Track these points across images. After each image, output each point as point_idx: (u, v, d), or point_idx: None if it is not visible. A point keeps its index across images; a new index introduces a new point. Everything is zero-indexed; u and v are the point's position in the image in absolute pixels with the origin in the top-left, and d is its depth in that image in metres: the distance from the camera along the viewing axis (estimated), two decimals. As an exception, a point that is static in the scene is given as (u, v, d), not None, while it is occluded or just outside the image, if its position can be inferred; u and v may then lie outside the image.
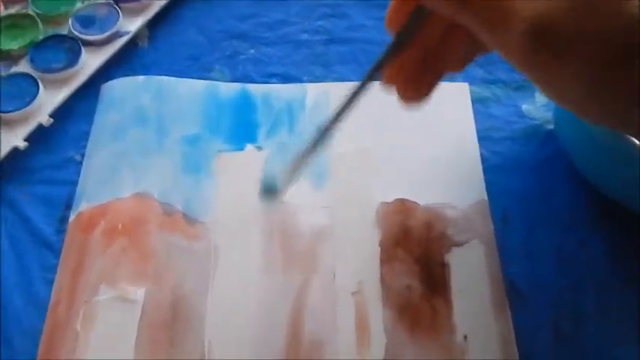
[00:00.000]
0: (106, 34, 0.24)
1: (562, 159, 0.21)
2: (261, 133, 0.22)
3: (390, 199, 0.20)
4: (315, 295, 0.18)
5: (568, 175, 0.21)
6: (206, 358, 0.17)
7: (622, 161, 0.17)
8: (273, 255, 0.19)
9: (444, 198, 0.20)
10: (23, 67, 0.23)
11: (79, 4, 0.25)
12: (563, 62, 0.10)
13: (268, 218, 0.20)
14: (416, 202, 0.20)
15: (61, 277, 0.19)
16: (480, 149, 0.22)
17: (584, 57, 0.10)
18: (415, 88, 0.15)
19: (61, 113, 0.23)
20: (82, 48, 0.23)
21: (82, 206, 0.20)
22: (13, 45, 0.23)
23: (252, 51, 0.25)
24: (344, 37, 0.25)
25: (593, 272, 0.19)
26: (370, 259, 0.19)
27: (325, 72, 0.24)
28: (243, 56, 0.25)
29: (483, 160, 0.21)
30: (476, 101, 0.23)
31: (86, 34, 0.24)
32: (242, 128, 0.22)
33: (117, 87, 0.23)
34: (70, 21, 0.24)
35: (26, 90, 0.22)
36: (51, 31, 0.24)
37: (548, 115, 0.23)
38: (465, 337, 0.17)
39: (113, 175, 0.21)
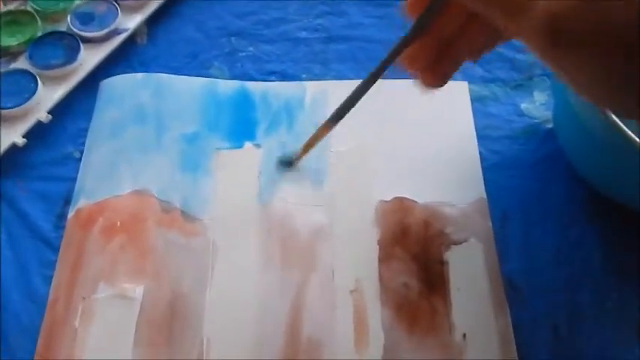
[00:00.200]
0: (105, 30, 0.24)
1: (561, 158, 0.21)
2: (260, 131, 0.22)
3: (389, 197, 0.20)
4: (314, 293, 0.18)
5: (566, 174, 0.21)
6: (204, 355, 0.17)
7: (620, 160, 0.17)
8: (271, 253, 0.19)
9: (442, 196, 0.20)
10: (22, 63, 0.23)
11: (77, 1, 0.25)
12: (584, 53, 0.10)
13: (267, 216, 0.20)
14: (415, 201, 0.20)
15: (60, 274, 0.19)
16: (479, 148, 0.22)
17: (603, 48, 0.10)
18: (433, 74, 0.15)
19: (59, 110, 0.23)
20: (81, 45, 0.23)
21: (81, 203, 0.20)
22: (11, 41, 0.23)
23: (250, 48, 0.25)
24: (342, 35, 0.25)
25: (590, 270, 0.19)
26: (369, 258, 0.19)
27: (324, 70, 0.24)
28: (242, 54, 0.25)
29: (482, 158, 0.21)
30: (475, 100, 0.23)
31: (85, 31, 0.24)
32: (241, 126, 0.22)
33: (116, 84, 0.23)
34: (68, 18, 0.24)
35: (25, 86, 0.22)
36: (50, 28, 0.24)
37: (547, 114, 0.23)
38: (464, 335, 0.17)
39: (112, 172, 0.21)
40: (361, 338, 0.17)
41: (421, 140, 0.22)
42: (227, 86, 0.23)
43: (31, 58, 0.23)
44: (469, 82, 0.24)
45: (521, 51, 0.25)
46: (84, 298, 0.18)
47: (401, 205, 0.20)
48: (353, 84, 0.23)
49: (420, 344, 0.17)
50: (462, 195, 0.20)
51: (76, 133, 0.22)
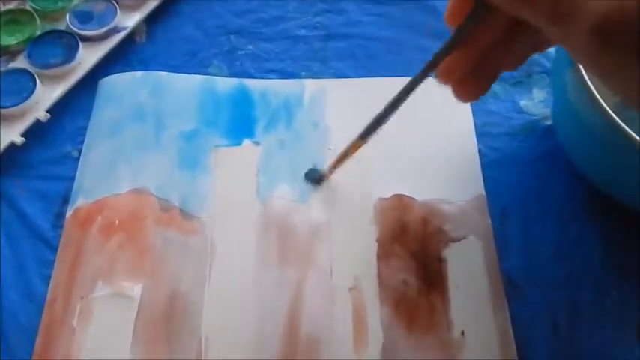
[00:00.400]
0: (104, 29, 0.24)
1: (559, 155, 0.21)
2: (259, 129, 0.22)
3: (388, 195, 0.20)
4: (312, 290, 0.18)
5: (565, 171, 0.21)
6: (203, 353, 0.17)
7: (619, 158, 0.17)
8: (270, 251, 0.19)
9: (441, 194, 0.20)
10: (21, 62, 0.23)
11: (76, 0, 0.25)
12: (631, 58, 0.10)
13: (265, 214, 0.20)
14: (413, 198, 0.20)
15: (58, 273, 0.19)
16: (478, 145, 0.22)
17: None
18: (469, 86, 0.14)
19: (58, 109, 0.23)
20: (80, 43, 0.23)
21: (79, 202, 0.20)
22: (11, 40, 0.23)
23: (249, 47, 0.25)
24: (341, 32, 0.25)
25: (590, 267, 0.19)
26: (367, 255, 0.19)
27: (323, 68, 0.24)
28: (241, 52, 0.25)
29: (481, 155, 0.21)
30: (474, 97, 0.23)
31: (84, 30, 0.24)
32: (239, 123, 0.22)
33: (114, 82, 0.23)
34: (67, 16, 0.24)
35: (24, 85, 0.22)
36: (49, 27, 0.24)
37: (546, 111, 0.23)
38: (463, 332, 0.17)
39: (110, 170, 0.21)
40: (360, 336, 0.17)
41: (420, 137, 0.22)
42: (226, 84, 0.23)
43: (30, 57, 0.23)
44: (468, 80, 0.24)
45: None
46: (82, 297, 0.18)
47: (400, 202, 0.20)
48: (351, 82, 0.24)
49: (419, 342, 0.17)
50: (460, 192, 0.20)
51: (75, 132, 0.22)
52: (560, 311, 0.18)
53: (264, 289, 0.18)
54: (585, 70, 0.15)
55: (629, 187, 0.18)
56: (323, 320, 0.18)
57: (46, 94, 0.22)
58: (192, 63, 0.24)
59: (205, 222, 0.20)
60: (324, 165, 0.21)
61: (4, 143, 0.21)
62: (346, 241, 0.19)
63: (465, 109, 0.23)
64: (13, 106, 0.22)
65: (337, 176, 0.21)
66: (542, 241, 0.20)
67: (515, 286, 0.19)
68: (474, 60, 0.14)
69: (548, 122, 0.22)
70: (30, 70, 0.23)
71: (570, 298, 0.18)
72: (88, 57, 0.23)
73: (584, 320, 0.18)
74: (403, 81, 0.23)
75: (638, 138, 0.16)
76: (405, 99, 0.16)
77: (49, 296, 0.18)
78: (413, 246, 0.19)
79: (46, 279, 0.19)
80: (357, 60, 0.24)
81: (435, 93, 0.23)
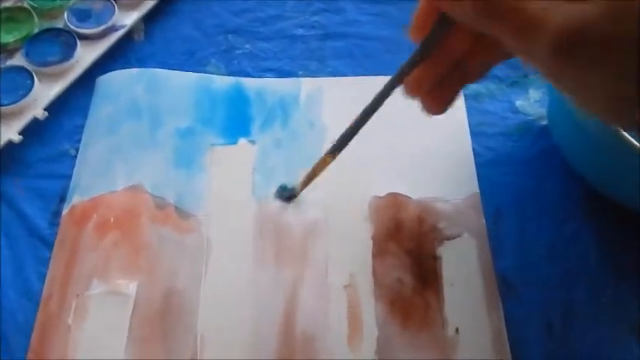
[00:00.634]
0: (102, 27, 0.24)
1: (555, 155, 0.21)
2: (255, 127, 0.22)
3: (383, 193, 0.20)
4: (308, 288, 0.18)
5: (561, 171, 0.21)
6: (198, 351, 0.17)
7: (614, 158, 0.17)
8: (265, 249, 0.19)
9: (436, 192, 0.20)
10: (18, 60, 0.23)
11: (74, -2, 0.25)
12: (593, 70, 0.10)
13: (261, 212, 0.20)
14: (408, 197, 0.20)
15: (54, 271, 0.19)
16: (474, 144, 0.22)
17: (615, 65, 0.10)
18: (435, 99, 0.14)
19: (56, 107, 0.23)
20: (78, 41, 0.23)
21: (75, 199, 0.20)
22: (8, 38, 0.24)
23: (247, 46, 0.25)
24: (339, 32, 0.25)
25: (584, 267, 0.19)
26: (362, 253, 0.19)
27: (320, 67, 0.24)
28: (239, 51, 0.25)
29: (477, 155, 0.22)
30: (470, 97, 0.23)
31: (82, 28, 0.24)
32: (235, 122, 0.22)
33: (111, 80, 0.23)
34: (65, 14, 0.24)
35: (21, 83, 0.22)
36: (46, 25, 0.24)
37: (542, 111, 0.23)
38: (457, 330, 0.17)
39: (106, 168, 0.21)
40: (355, 333, 0.17)
41: (415, 136, 0.22)
42: (222, 82, 0.23)
43: (27, 54, 0.23)
44: (464, 80, 0.24)
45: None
46: (77, 295, 0.18)
47: (395, 200, 0.20)
48: (348, 80, 0.24)
49: (414, 339, 0.17)
50: (455, 190, 0.20)
51: (72, 130, 0.22)
52: (554, 311, 0.18)
53: (260, 287, 0.18)
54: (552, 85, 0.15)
55: (625, 186, 0.18)
56: (318, 318, 0.18)
57: (44, 92, 0.22)
58: (190, 62, 0.24)
59: (201, 220, 0.20)
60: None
61: (2, 141, 0.21)
62: (341, 239, 0.19)
63: (460, 107, 0.23)
64: (11, 104, 0.22)
65: (332, 174, 0.21)
66: (538, 240, 0.20)
67: (510, 285, 0.19)
68: (441, 73, 0.14)
69: (544, 122, 0.23)
70: (27, 68, 0.23)
71: (565, 298, 0.18)
72: (85, 55, 0.24)
73: (579, 320, 0.18)
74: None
75: (632, 138, 0.16)
76: (372, 114, 0.16)
77: (44, 294, 0.18)
78: (408, 244, 0.19)
79: (44, 277, 0.19)
80: (355, 59, 0.25)
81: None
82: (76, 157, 0.22)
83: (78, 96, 0.23)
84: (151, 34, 0.25)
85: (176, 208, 0.20)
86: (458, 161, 0.21)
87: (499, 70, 0.24)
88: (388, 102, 0.23)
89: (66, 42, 0.23)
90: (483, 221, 0.20)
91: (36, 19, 0.24)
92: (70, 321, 0.17)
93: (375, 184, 0.20)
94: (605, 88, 0.11)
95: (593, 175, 0.20)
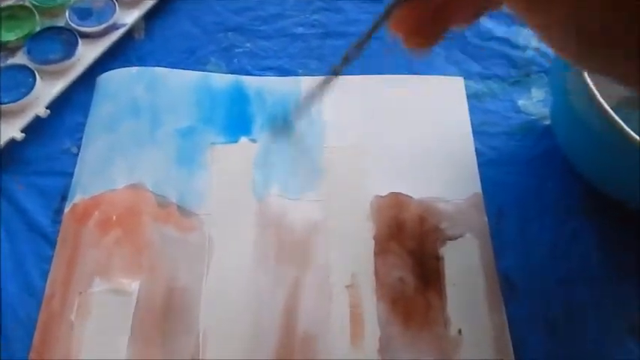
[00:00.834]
0: (103, 26, 0.24)
1: (557, 154, 0.21)
2: (256, 126, 0.22)
3: (384, 192, 0.20)
4: (309, 287, 0.18)
5: (563, 171, 0.21)
6: (200, 349, 0.17)
7: (618, 157, 0.17)
8: (267, 248, 0.19)
9: (438, 192, 0.20)
10: (20, 58, 0.23)
11: (75, -4, 0.25)
12: (562, 6, 0.10)
13: (262, 211, 0.20)
14: (410, 196, 0.20)
15: (56, 269, 0.19)
16: (476, 144, 0.22)
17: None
18: (419, 38, 0.14)
19: (57, 105, 0.23)
20: (79, 40, 0.23)
21: (77, 197, 0.20)
22: (10, 36, 0.23)
23: (248, 44, 0.25)
24: (339, 31, 0.25)
25: (586, 266, 0.19)
26: (364, 253, 0.19)
27: (320, 65, 0.24)
28: (239, 49, 0.25)
29: (479, 154, 0.21)
30: (472, 96, 0.23)
31: (83, 26, 0.24)
32: (236, 120, 0.22)
33: (112, 79, 0.23)
34: (66, 13, 0.24)
35: (23, 81, 0.22)
36: (48, 23, 0.24)
37: (544, 110, 0.23)
38: (460, 330, 0.17)
39: (107, 166, 0.21)
40: (357, 332, 0.17)
41: (416, 135, 0.22)
42: (222, 80, 0.23)
43: (29, 53, 0.23)
44: (466, 78, 0.24)
45: (518, 48, 0.25)
46: (80, 293, 0.18)
47: (396, 200, 0.20)
48: (348, 79, 0.23)
49: (416, 339, 0.17)
50: (457, 190, 0.20)
51: (74, 128, 0.22)
52: (556, 310, 0.18)
53: (262, 285, 0.18)
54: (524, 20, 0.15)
55: (628, 185, 0.18)
56: (320, 317, 0.18)
57: (46, 90, 0.22)
58: (190, 60, 0.24)
59: (203, 219, 0.20)
60: (322, 161, 0.21)
61: (4, 139, 0.21)
62: (343, 238, 0.19)
63: (462, 107, 0.23)
64: (13, 101, 0.22)
65: (334, 173, 0.21)
66: (539, 240, 0.20)
67: (512, 285, 0.19)
68: (425, 12, 0.14)
69: (547, 122, 0.22)
70: (29, 66, 0.23)
71: (567, 298, 0.18)
72: (87, 53, 0.23)
73: (581, 320, 0.18)
74: (399, 78, 0.23)
75: (637, 137, 0.16)
76: (357, 54, 0.17)
77: (47, 292, 0.18)
78: (410, 244, 0.19)
79: (46, 274, 0.19)
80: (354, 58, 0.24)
81: (432, 92, 0.23)
82: (77, 154, 0.22)
83: (79, 94, 0.23)
84: (152, 32, 0.25)
85: (178, 206, 0.20)
86: (460, 161, 0.21)
87: (500, 69, 0.24)
88: (389, 101, 0.23)
89: (67, 40, 0.23)
90: (486, 221, 0.20)
91: (37, 17, 0.24)
92: (72, 318, 0.17)
93: (376, 184, 0.20)
94: (569, 26, 0.11)
95: (596, 174, 0.20)
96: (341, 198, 0.20)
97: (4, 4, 0.24)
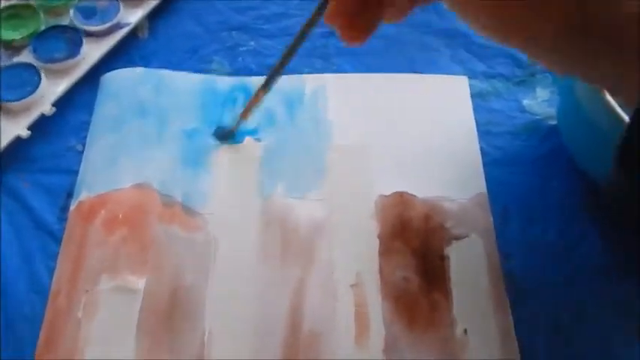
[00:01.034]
0: (107, 25, 0.24)
1: (562, 154, 0.21)
2: (260, 125, 0.22)
3: (389, 191, 0.20)
4: (314, 287, 0.18)
5: (568, 171, 0.21)
6: (205, 347, 0.17)
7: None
8: (272, 247, 0.19)
9: (442, 191, 0.20)
10: (25, 57, 0.23)
11: (79, -5, 0.25)
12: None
13: (267, 210, 0.20)
14: (414, 195, 0.20)
15: (62, 266, 0.19)
16: (481, 143, 0.22)
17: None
18: (353, 31, 0.15)
19: (62, 103, 0.23)
20: (83, 39, 0.23)
21: (83, 196, 0.20)
22: (15, 35, 0.24)
23: (251, 43, 0.25)
24: (344, 29, 0.25)
25: (592, 267, 0.19)
26: (369, 252, 0.19)
27: (325, 64, 0.24)
28: (243, 48, 0.25)
29: (484, 154, 0.21)
30: (477, 95, 0.23)
31: (87, 25, 0.24)
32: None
33: (116, 78, 0.23)
34: (71, 12, 0.24)
35: (28, 80, 0.22)
36: (52, 22, 0.24)
37: (549, 110, 0.23)
38: (465, 330, 0.17)
39: (113, 165, 0.21)
40: (362, 332, 0.18)
41: (421, 134, 0.22)
42: (226, 82, 0.23)
43: (34, 51, 0.23)
44: (470, 77, 0.24)
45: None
46: (87, 291, 0.18)
47: (401, 199, 0.20)
48: (352, 77, 0.24)
49: (421, 338, 0.17)
50: (462, 190, 0.20)
51: (79, 126, 0.22)
52: (562, 311, 0.18)
53: (266, 284, 0.18)
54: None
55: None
56: (325, 316, 0.18)
57: (51, 89, 0.23)
58: (193, 59, 0.24)
59: (208, 218, 0.20)
60: (326, 160, 0.21)
61: (9, 137, 0.21)
62: (348, 237, 0.19)
63: (466, 106, 0.23)
64: (18, 100, 0.22)
65: (339, 172, 0.21)
66: (544, 240, 0.20)
67: (518, 285, 0.19)
68: (357, 6, 0.14)
69: (552, 122, 0.22)
70: (34, 64, 0.23)
71: (572, 298, 0.18)
72: (91, 52, 0.24)
73: (586, 320, 0.18)
74: (403, 77, 0.23)
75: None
76: (300, 45, 0.17)
77: (53, 289, 0.18)
78: (414, 243, 0.19)
79: (52, 271, 0.19)
80: (359, 57, 0.24)
81: (436, 91, 0.23)
82: (82, 152, 0.22)
83: (84, 92, 0.23)
84: (155, 31, 0.25)
85: (183, 206, 0.20)
86: (464, 160, 0.21)
87: (505, 68, 0.24)
88: (393, 100, 0.23)
89: (72, 39, 0.23)
90: (491, 221, 0.20)
91: (42, 16, 0.24)
92: (79, 315, 0.18)
93: (380, 183, 0.20)
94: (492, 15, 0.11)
95: (603, 173, 0.20)
96: (345, 197, 0.20)
97: (8, 3, 0.24)
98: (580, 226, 0.20)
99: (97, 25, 0.24)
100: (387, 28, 0.25)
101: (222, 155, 0.21)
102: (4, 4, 0.24)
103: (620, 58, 0.11)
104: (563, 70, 0.13)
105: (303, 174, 0.21)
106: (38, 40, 0.23)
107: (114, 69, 0.24)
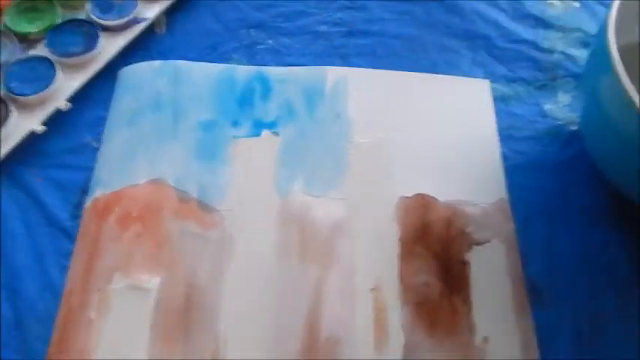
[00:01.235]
0: (124, 19, 0.24)
1: (584, 160, 0.21)
2: (279, 118, 0.22)
3: (410, 193, 0.20)
4: (333, 289, 0.18)
5: (590, 177, 0.21)
6: (220, 348, 0.17)
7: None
8: (289, 246, 0.19)
9: (463, 195, 0.20)
10: (41, 50, 0.23)
11: (97, -11, 0.25)
12: None
13: (285, 208, 0.20)
14: (435, 198, 0.20)
15: (76, 264, 0.18)
16: (502, 148, 0.21)
17: None
18: None
19: (78, 98, 0.22)
20: (100, 33, 0.23)
21: (98, 192, 0.20)
22: (31, 28, 0.23)
23: (270, 41, 0.25)
24: (363, 29, 0.25)
25: (614, 275, 0.19)
26: (389, 255, 0.19)
27: (343, 64, 0.24)
28: (261, 46, 0.24)
29: (505, 158, 0.21)
30: (498, 99, 0.23)
31: (104, 19, 0.24)
32: (259, 113, 0.22)
33: (133, 72, 0.23)
34: (88, 6, 0.24)
35: (43, 73, 0.22)
36: (69, 15, 0.24)
37: (571, 115, 0.22)
38: (486, 338, 0.17)
39: (129, 161, 0.20)
40: (380, 337, 0.17)
41: (442, 136, 0.21)
42: (244, 72, 0.23)
43: (50, 45, 0.23)
44: (492, 81, 0.23)
45: (545, 51, 0.24)
46: (99, 289, 0.18)
47: (422, 201, 0.20)
48: (374, 73, 0.23)
49: (441, 345, 0.17)
50: (483, 194, 0.20)
51: (94, 122, 0.22)
52: (584, 318, 0.18)
53: (284, 285, 0.18)
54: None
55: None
56: (343, 320, 0.17)
57: (66, 83, 0.22)
58: (212, 56, 0.24)
59: (224, 215, 0.19)
60: (347, 158, 0.20)
61: (24, 132, 0.21)
62: (368, 239, 0.19)
63: (488, 110, 0.22)
64: (33, 94, 0.21)
65: (359, 171, 0.20)
66: (566, 247, 0.19)
67: (539, 291, 0.18)
68: None
69: (573, 127, 0.22)
70: (50, 58, 0.22)
71: (595, 306, 0.18)
72: (108, 47, 0.23)
73: (608, 329, 0.18)
74: (425, 77, 0.23)
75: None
76: None
77: (66, 287, 0.18)
78: (435, 247, 0.19)
79: (65, 269, 0.19)
80: (378, 57, 0.24)
81: (458, 93, 0.23)
82: (97, 149, 0.21)
83: (99, 88, 0.23)
84: (173, 27, 0.25)
85: (198, 202, 0.20)
86: (486, 164, 0.21)
87: (527, 72, 0.24)
88: (415, 101, 0.23)
89: (88, 33, 0.23)
90: (513, 227, 0.19)
91: (58, 9, 0.24)
92: (92, 314, 0.17)
93: (401, 184, 0.20)
94: None
95: (626, 180, 0.19)
96: (366, 197, 0.20)
97: (25, -5, 0.24)
98: (603, 233, 0.20)
99: (113, 20, 0.24)
100: (408, 29, 0.25)
101: (239, 149, 0.21)
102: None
103: None
104: None
105: (323, 171, 0.20)
106: (54, 33, 0.23)
107: (131, 64, 0.23)
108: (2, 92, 0.21)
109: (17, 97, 0.21)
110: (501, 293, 0.18)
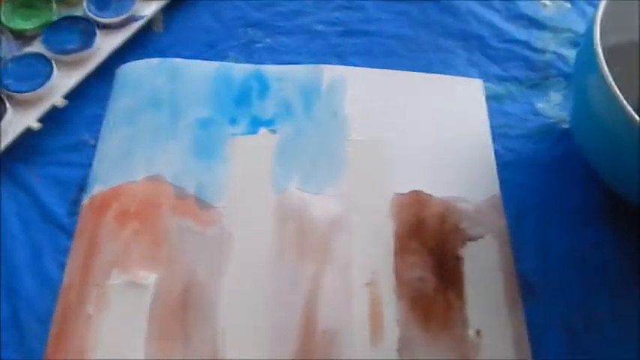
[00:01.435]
0: (122, 17, 0.24)
1: (576, 158, 0.21)
2: (276, 116, 0.22)
3: (405, 189, 0.20)
4: (329, 284, 0.18)
5: (582, 174, 0.21)
6: (219, 345, 0.17)
7: None
8: (286, 243, 0.19)
9: (457, 191, 0.20)
10: (37, 47, 0.23)
11: (94, -14, 0.25)
12: None
13: (282, 205, 0.20)
14: (430, 195, 0.20)
15: (73, 261, 0.19)
16: (495, 146, 0.22)
17: None
18: None
19: (74, 95, 0.22)
20: (97, 30, 0.23)
21: (96, 189, 0.20)
22: (26, 25, 0.23)
23: (267, 40, 0.25)
24: (359, 29, 0.25)
25: (606, 271, 0.19)
26: (384, 250, 0.19)
27: (340, 63, 0.24)
28: (259, 45, 0.25)
29: (498, 156, 0.22)
30: (491, 98, 0.23)
31: (101, 17, 0.24)
32: (256, 111, 0.22)
33: (131, 70, 0.23)
34: (84, 2, 0.24)
35: (39, 70, 0.22)
36: (65, 12, 0.24)
37: (563, 114, 0.23)
38: (478, 331, 0.17)
39: (127, 158, 0.21)
40: (376, 331, 0.17)
41: (435, 134, 0.22)
42: (242, 70, 0.23)
43: (46, 42, 0.23)
44: (484, 80, 0.24)
45: (537, 51, 0.25)
46: (97, 285, 0.18)
47: (417, 198, 0.20)
48: (370, 72, 0.23)
49: (435, 338, 0.17)
50: (476, 191, 0.20)
51: (92, 119, 0.22)
52: (576, 315, 0.18)
53: (281, 281, 0.18)
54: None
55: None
56: (340, 314, 0.18)
57: (63, 81, 0.22)
58: (209, 54, 0.24)
59: (222, 212, 0.20)
60: (344, 155, 0.21)
61: (20, 128, 0.21)
62: (364, 235, 0.19)
63: (481, 108, 0.23)
64: (29, 91, 0.21)
65: (355, 168, 0.20)
66: (558, 243, 0.20)
67: (531, 287, 0.19)
68: None
69: (565, 125, 0.23)
70: (46, 55, 0.22)
71: (586, 302, 0.18)
72: (105, 44, 0.23)
73: (600, 325, 0.18)
74: (419, 76, 0.23)
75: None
76: None
77: (64, 283, 0.18)
78: (430, 242, 0.19)
79: (62, 266, 0.19)
80: (375, 57, 0.24)
81: (452, 92, 0.23)
82: (94, 146, 0.21)
83: (96, 85, 0.23)
84: (171, 25, 0.25)
85: (196, 198, 0.20)
86: (478, 162, 0.21)
87: (519, 71, 0.24)
88: (410, 100, 0.23)
89: (85, 30, 0.23)
90: (505, 223, 0.20)
91: (54, 6, 0.24)
92: (90, 310, 0.17)
93: (397, 180, 0.20)
94: None
95: (617, 178, 0.20)
96: (362, 194, 0.20)
97: (20, -8, 0.24)
98: (594, 229, 0.20)
99: (111, 17, 0.24)
100: (404, 29, 0.26)
101: (236, 146, 0.21)
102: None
103: None
104: None
105: (320, 168, 0.21)
106: (50, 30, 0.23)
107: (128, 62, 0.23)
108: (-2, 89, 0.21)
109: (13, 94, 0.21)
110: (494, 288, 0.18)
